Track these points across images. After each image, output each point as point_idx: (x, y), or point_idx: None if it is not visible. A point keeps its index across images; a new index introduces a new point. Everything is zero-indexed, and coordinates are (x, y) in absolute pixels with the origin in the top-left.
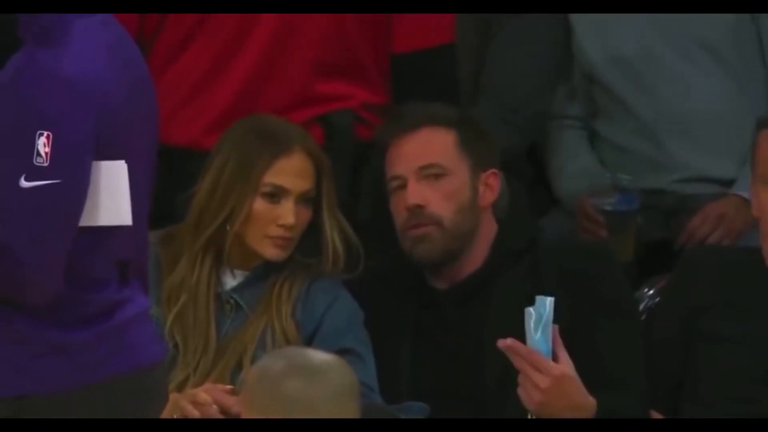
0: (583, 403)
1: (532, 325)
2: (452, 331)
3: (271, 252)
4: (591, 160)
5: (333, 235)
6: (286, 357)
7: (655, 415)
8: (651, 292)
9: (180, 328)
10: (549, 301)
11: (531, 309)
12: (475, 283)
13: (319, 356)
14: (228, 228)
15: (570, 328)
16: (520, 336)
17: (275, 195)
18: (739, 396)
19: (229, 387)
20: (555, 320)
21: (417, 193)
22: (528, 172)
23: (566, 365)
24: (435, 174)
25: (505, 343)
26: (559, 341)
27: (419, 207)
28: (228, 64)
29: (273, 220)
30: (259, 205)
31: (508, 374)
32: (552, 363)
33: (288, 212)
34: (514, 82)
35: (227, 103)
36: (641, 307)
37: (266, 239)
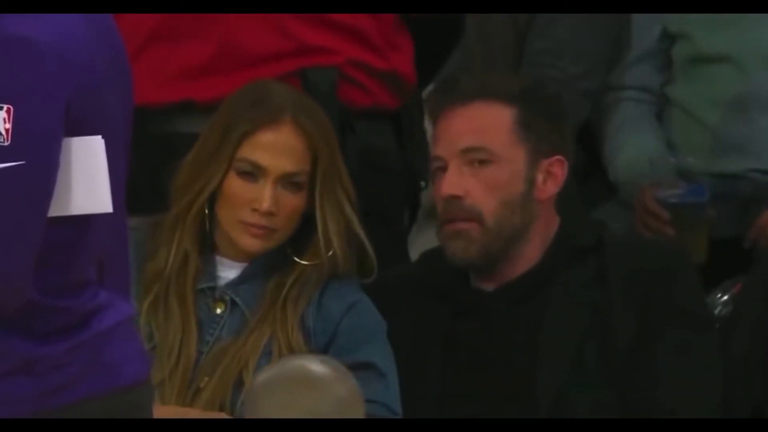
0: None
1: None
2: (498, 339)
3: (245, 241)
4: (655, 140)
5: (328, 230)
6: (276, 367)
7: None
8: (725, 298)
9: (153, 324)
10: None
11: None
12: (530, 284)
13: (313, 366)
14: (206, 210)
15: (634, 346)
16: (578, 348)
17: (252, 173)
18: None
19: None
20: (621, 334)
21: (455, 181)
22: (580, 158)
23: None
24: (480, 159)
25: None
26: None
27: (456, 198)
28: None
29: (247, 203)
30: (234, 183)
31: (565, 392)
32: None
33: (263, 195)
34: (580, 46)
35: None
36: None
37: (239, 225)
